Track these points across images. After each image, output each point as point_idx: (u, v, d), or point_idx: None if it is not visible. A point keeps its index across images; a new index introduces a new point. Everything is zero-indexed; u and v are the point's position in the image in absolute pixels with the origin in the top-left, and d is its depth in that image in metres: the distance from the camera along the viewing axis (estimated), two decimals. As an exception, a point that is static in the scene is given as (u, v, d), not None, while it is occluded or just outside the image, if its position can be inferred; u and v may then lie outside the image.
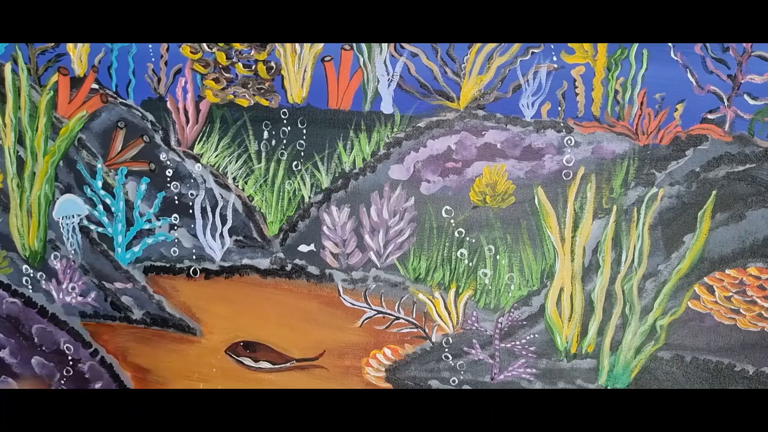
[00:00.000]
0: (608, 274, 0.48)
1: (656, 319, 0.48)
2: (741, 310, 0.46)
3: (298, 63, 0.51)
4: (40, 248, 0.58)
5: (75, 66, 0.55)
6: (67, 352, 0.59)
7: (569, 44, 0.47)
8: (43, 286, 0.58)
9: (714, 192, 0.46)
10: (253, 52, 0.52)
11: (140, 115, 0.55)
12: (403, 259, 0.51)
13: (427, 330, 0.52)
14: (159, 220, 0.55)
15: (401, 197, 0.51)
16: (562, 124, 0.48)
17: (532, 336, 0.50)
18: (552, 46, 0.47)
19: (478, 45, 0.48)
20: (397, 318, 0.52)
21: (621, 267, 0.48)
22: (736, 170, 0.45)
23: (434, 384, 0.52)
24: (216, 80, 0.53)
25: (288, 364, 0.55)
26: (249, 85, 0.52)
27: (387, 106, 0.50)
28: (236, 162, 0.53)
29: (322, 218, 0.52)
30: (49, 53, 0.55)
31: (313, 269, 0.53)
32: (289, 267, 0.53)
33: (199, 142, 0.54)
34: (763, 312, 0.46)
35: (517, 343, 0.50)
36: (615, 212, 0.47)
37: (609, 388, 0.49)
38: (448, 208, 0.50)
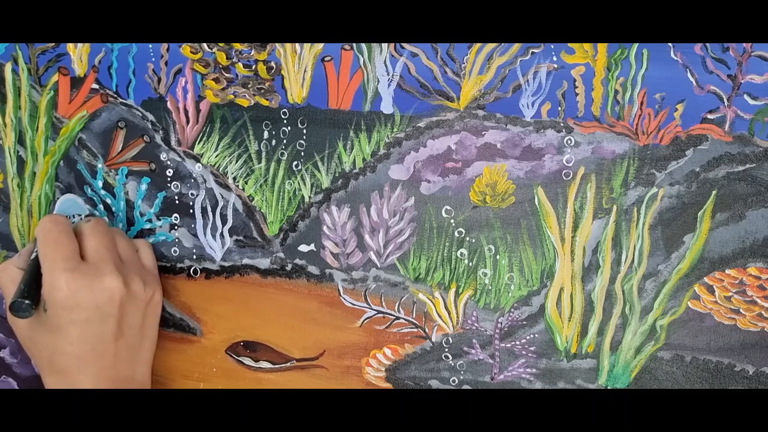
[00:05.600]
0: (608, 274, 0.48)
1: (656, 319, 0.48)
2: (741, 310, 0.46)
3: (298, 63, 0.51)
4: (40, 248, 0.58)
5: (75, 66, 0.55)
6: (67, 351, 0.59)
7: (569, 44, 0.47)
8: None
9: (714, 192, 0.46)
10: (253, 52, 0.52)
11: (140, 115, 0.55)
12: (403, 259, 0.51)
13: (427, 330, 0.52)
14: (159, 219, 0.55)
15: (401, 197, 0.51)
16: (562, 124, 0.47)
17: (532, 336, 0.50)
18: (552, 46, 0.47)
19: (478, 45, 0.48)
20: (397, 318, 0.52)
21: (621, 267, 0.48)
22: (736, 170, 0.45)
23: (434, 384, 0.52)
24: (216, 80, 0.53)
25: (288, 364, 0.55)
26: (249, 85, 0.52)
27: (387, 106, 0.50)
28: (236, 162, 0.53)
29: (322, 218, 0.52)
30: (49, 53, 0.55)
31: (313, 269, 0.53)
32: (289, 267, 0.53)
33: (199, 142, 0.54)
34: (763, 312, 0.46)
35: (517, 343, 0.50)
36: (615, 212, 0.47)
37: (609, 388, 0.49)
38: (448, 208, 0.50)
